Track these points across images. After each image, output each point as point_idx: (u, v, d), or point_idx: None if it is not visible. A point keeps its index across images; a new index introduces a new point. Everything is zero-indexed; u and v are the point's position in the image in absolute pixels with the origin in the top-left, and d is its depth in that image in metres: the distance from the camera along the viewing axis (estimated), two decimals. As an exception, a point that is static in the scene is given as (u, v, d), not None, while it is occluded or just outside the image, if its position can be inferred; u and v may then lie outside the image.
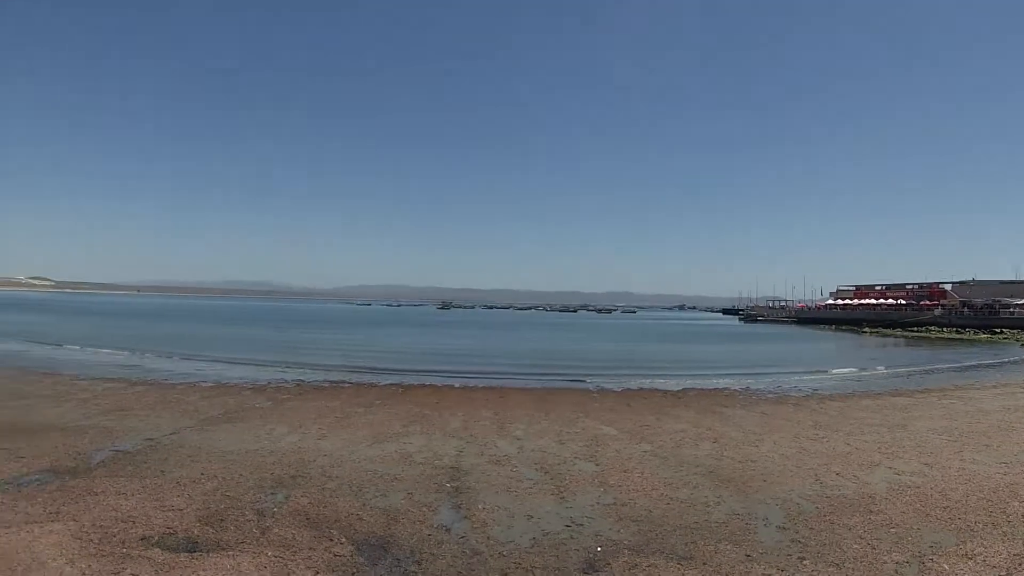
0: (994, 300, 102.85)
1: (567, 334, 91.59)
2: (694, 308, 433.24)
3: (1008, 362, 46.45)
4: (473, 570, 8.07)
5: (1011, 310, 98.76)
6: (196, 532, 8.96)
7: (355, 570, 7.96)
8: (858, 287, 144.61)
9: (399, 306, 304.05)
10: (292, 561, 8.06)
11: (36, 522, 9.01)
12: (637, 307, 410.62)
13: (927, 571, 8.03)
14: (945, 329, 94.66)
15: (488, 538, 9.20)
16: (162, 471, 12.14)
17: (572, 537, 9.29)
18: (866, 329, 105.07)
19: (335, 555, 8.37)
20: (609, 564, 8.26)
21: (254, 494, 10.89)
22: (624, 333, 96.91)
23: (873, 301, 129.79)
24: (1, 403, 19.46)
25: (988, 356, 52.41)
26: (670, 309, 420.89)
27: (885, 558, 8.41)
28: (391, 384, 28.30)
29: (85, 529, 8.81)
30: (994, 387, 29.36)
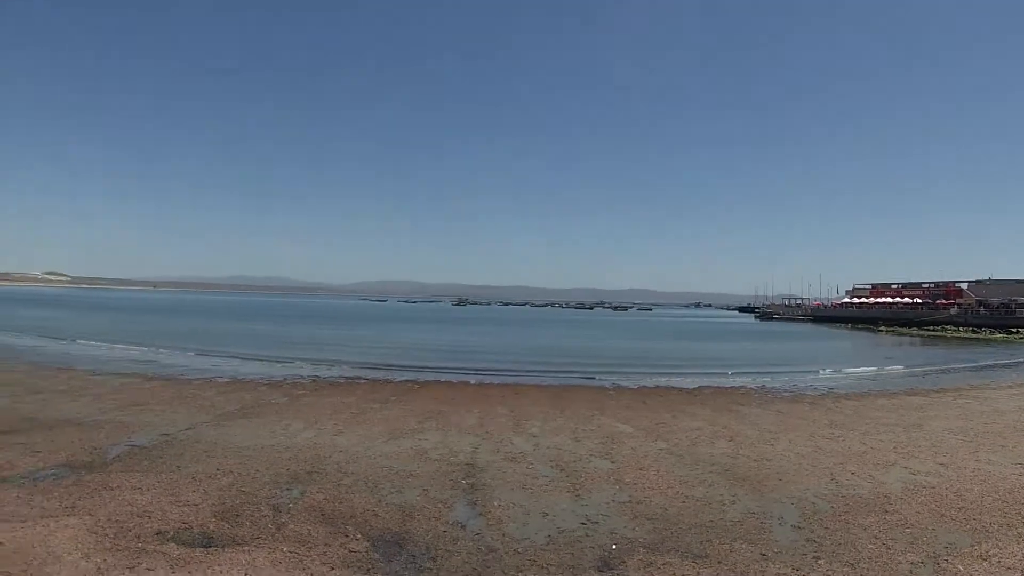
0: (1010, 299, 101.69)
1: (583, 331, 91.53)
2: (710, 306, 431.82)
3: (1024, 362, 46.10)
4: (488, 567, 8.03)
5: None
6: (211, 527, 8.96)
7: (370, 566, 7.92)
8: (874, 286, 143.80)
9: (415, 302, 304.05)
10: (307, 557, 8.05)
11: (52, 516, 9.02)
12: (653, 305, 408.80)
13: (942, 572, 7.95)
14: (961, 328, 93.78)
15: (503, 535, 9.17)
16: (178, 466, 12.16)
17: (587, 535, 9.25)
18: (882, 328, 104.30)
19: (350, 551, 8.35)
20: (624, 562, 8.21)
21: (270, 490, 10.89)
22: (640, 330, 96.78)
23: (889, 300, 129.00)
24: (17, 398, 19.54)
25: (1004, 356, 52.03)
26: (686, 307, 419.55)
27: (900, 558, 8.35)
28: (407, 380, 28.36)
29: (100, 524, 8.82)
30: (1010, 387, 29.11)
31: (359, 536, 8.89)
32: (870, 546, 8.78)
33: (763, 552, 8.55)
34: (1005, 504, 10.85)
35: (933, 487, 11.87)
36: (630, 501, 10.90)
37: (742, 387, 29.09)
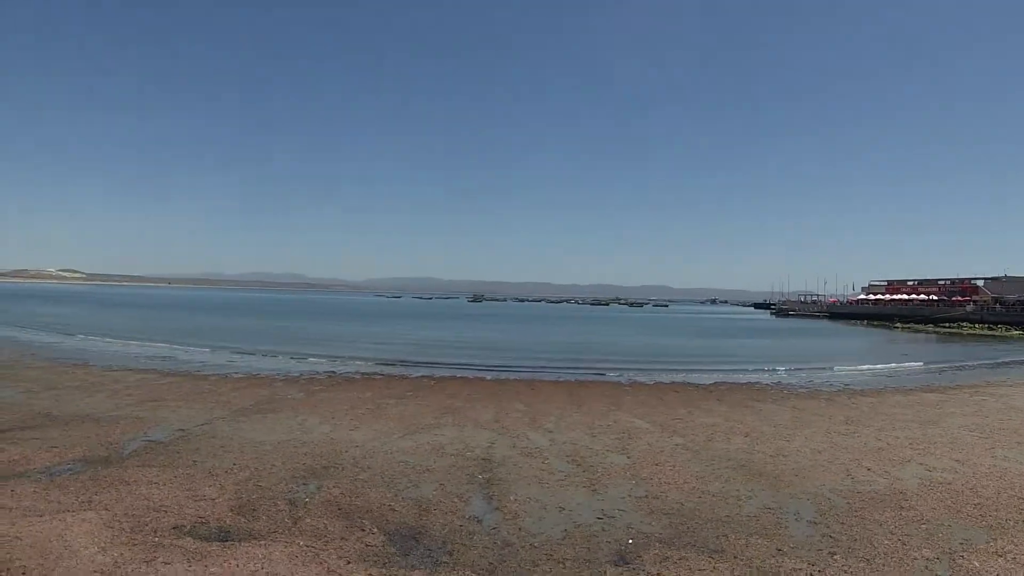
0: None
1: (598, 327, 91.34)
2: (726, 302, 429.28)
3: (1041, 359, 45.81)
4: (504, 561, 8.02)
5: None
6: (228, 522, 8.98)
7: (387, 560, 7.91)
8: (890, 282, 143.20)
9: (430, 299, 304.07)
10: (324, 551, 8.05)
11: (69, 511, 9.06)
12: (669, 301, 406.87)
13: (957, 568, 7.92)
14: (977, 325, 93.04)
15: (520, 529, 9.17)
16: (194, 461, 12.20)
17: (603, 529, 9.24)
18: (898, 325, 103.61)
19: (367, 545, 8.36)
20: (640, 556, 8.20)
21: (286, 484, 10.91)
22: (655, 327, 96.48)
23: (905, 296, 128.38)
24: (34, 394, 19.65)
25: (1020, 353, 51.65)
26: (702, 303, 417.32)
27: (915, 554, 8.31)
28: (423, 376, 28.47)
29: (117, 518, 8.85)
30: (1027, 384, 28.97)
31: (375, 530, 8.90)
32: (886, 542, 8.76)
33: (779, 547, 8.53)
34: (1021, 501, 10.80)
35: (949, 483, 11.83)
36: (646, 496, 10.88)
37: (758, 383, 29.04)
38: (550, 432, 16.26)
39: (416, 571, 7.63)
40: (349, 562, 7.79)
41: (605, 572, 7.76)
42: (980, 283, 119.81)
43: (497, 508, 10.15)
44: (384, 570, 7.61)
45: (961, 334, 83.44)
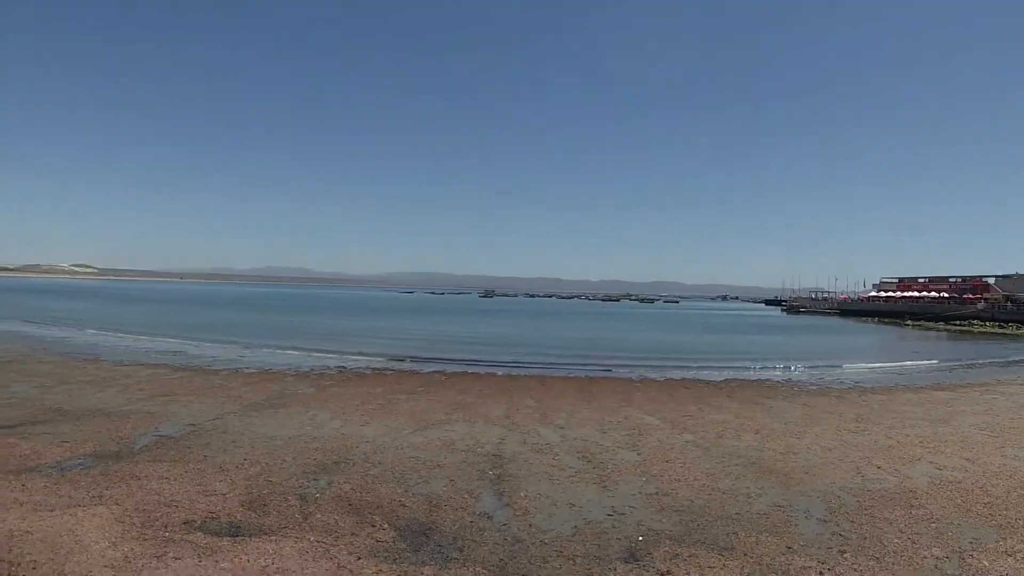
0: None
1: (609, 323, 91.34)
2: (736, 299, 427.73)
3: (1052, 358, 45.57)
4: (515, 557, 8.04)
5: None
6: (239, 517, 9.00)
7: (397, 556, 7.93)
8: (901, 280, 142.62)
9: (442, 294, 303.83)
10: (334, 546, 8.08)
11: (79, 505, 9.09)
12: (679, 297, 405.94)
13: (967, 567, 7.93)
14: (988, 323, 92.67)
15: (530, 525, 9.19)
16: (205, 456, 12.24)
17: (614, 526, 9.26)
18: (908, 322, 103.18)
19: (377, 541, 8.38)
20: (650, 553, 8.22)
21: (297, 480, 10.93)
22: (666, 323, 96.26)
23: (916, 294, 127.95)
24: (46, 388, 19.71)
25: (1031, 351, 51.52)
26: (713, 299, 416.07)
27: (925, 553, 8.33)
28: (434, 371, 28.48)
29: (128, 513, 8.87)
30: (1037, 383, 28.88)
31: (386, 526, 8.92)
32: (895, 540, 8.77)
33: (789, 545, 8.55)
34: (1031, 500, 10.83)
35: (959, 482, 11.83)
36: (656, 493, 10.91)
37: (768, 380, 28.97)
38: (561, 428, 16.27)
39: (427, 567, 7.64)
40: (360, 558, 7.81)
41: (615, 569, 7.77)
42: (991, 281, 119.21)
43: (507, 504, 10.16)
44: (395, 566, 7.62)
45: (972, 332, 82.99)
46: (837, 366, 36.45)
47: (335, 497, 10.11)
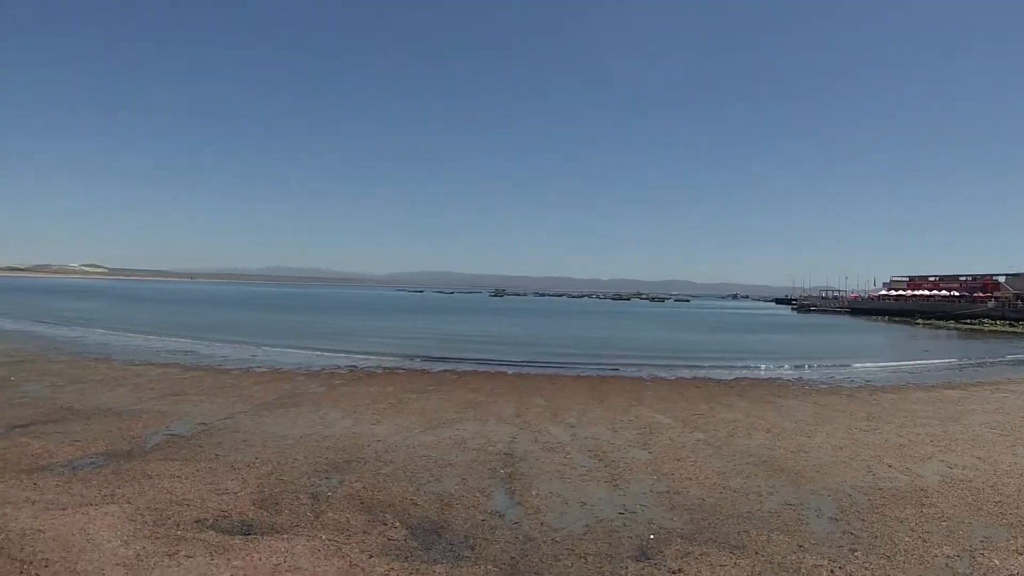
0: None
1: (620, 322, 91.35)
2: (747, 297, 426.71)
3: (1063, 357, 45.37)
4: (526, 556, 8.03)
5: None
6: (250, 515, 9.02)
7: (409, 554, 7.93)
8: (911, 278, 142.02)
9: (452, 293, 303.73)
10: (346, 545, 8.09)
11: (91, 504, 9.12)
12: (690, 296, 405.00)
13: (978, 565, 7.89)
14: (998, 322, 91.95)
15: (541, 524, 9.18)
16: (216, 455, 12.27)
17: (625, 524, 9.25)
18: (919, 321, 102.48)
19: (389, 539, 8.38)
20: (662, 552, 8.21)
21: (308, 478, 10.95)
22: (677, 322, 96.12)
23: (926, 292, 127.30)
24: (57, 388, 19.77)
25: (1041, 350, 51.32)
26: (723, 298, 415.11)
27: (936, 551, 8.29)
28: (444, 371, 28.48)
29: (140, 511, 8.90)
30: (1048, 381, 28.75)
31: (397, 524, 8.92)
32: (906, 539, 8.74)
33: (800, 544, 8.53)
34: (1041, 498, 10.81)
35: (970, 481, 11.77)
36: (668, 491, 10.88)
37: (779, 379, 28.92)
38: (572, 427, 16.27)
39: (438, 565, 7.63)
40: (371, 556, 7.82)
41: (627, 567, 7.75)
42: (1002, 279, 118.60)
43: (519, 503, 10.16)
44: (406, 564, 7.62)
45: (982, 331, 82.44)
46: (848, 365, 36.29)
47: (347, 496, 10.11)
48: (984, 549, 8.44)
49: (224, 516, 8.98)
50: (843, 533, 9.00)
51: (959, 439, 15.46)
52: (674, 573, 7.63)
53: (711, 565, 7.84)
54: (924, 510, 10.04)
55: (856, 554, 8.20)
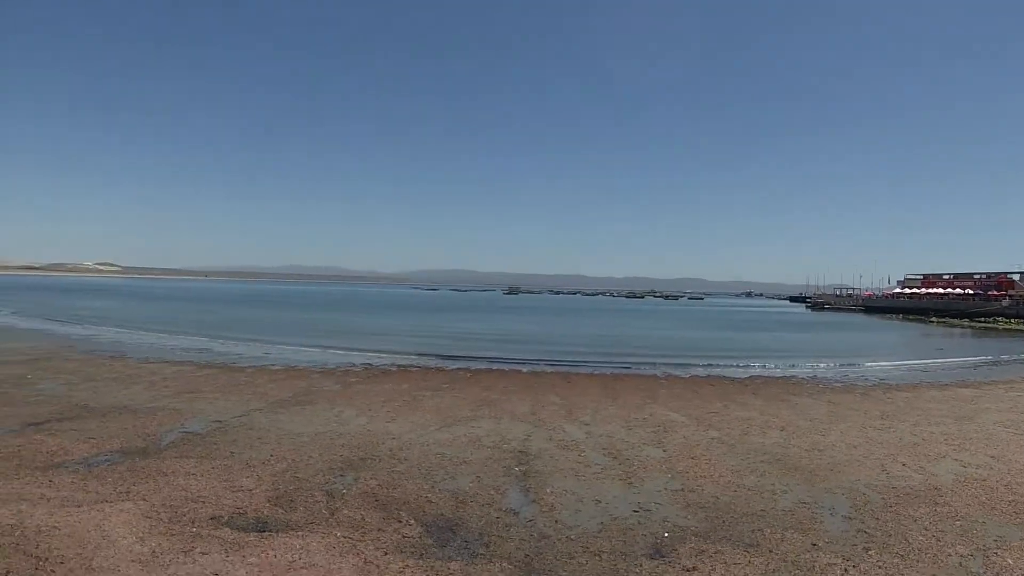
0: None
1: (633, 320, 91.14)
2: (761, 295, 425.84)
3: (1077, 355, 45.06)
4: (541, 553, 8.02)
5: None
6: (266, 512, 9.05)
7: (424, 552, 7.94)
8: (925, 276, 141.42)
9: (466, 291, 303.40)
10: (361, 542, 8.11)
11: (106, 501, 9.15)
12: (704, 294, 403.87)
13: (991, 564, 7.87)
14: (1013, 320, 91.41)
15: (556, 522, 9.19)
16: (231, 453, 12.32)
17: (639, 522, 9.24)
18: (933, 319, 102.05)
19: (404, 536, 8.40)
20: (676, 550, 8.20)
21: (323, 476, 10.98)
22: (691, 320, 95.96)
23: (940, 291, 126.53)
24: (72, 386, 19.87)
25: (1056, 349, 50.98)
26: (737, 296, 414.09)
27: (950, 550, 8.27)
28: (459, 368, 28.48)
29: (155, 508, 8.93)
30: (1061, 380, 28.58)
31: (412, 522, 8.94)
32: (920, 538, 8.72)
33: (814, 542, 8.52)
34: (1056, 498, 10.78)
35: (984, 480, 11.75)
36: (682, 489, 10.89)
37: (793, 377, 28.80)
38: (586, 425, 16.27)
39: (453, 563, 7.63)
40: (386, 553, 7.82)
41: (641, 565, 7.74)
42: (1016, 277, 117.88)
43: (533, 500, 10.16)
44: (421, 561, 7.62)
45: (996, 329, 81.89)
46: (862, 363, 36.11)
47: (361, 493, 10.14)
48: (998, 548, 8.42)
49: (239, 513, 9.01)
50: (857, 532, 8.98)
51: (973, 438, 15.41)
52: (688, 571, 7.62)
53: (725, 563, 7.83)
54: (938, 509, 10.02)
55: (870, 553, 8.20)
